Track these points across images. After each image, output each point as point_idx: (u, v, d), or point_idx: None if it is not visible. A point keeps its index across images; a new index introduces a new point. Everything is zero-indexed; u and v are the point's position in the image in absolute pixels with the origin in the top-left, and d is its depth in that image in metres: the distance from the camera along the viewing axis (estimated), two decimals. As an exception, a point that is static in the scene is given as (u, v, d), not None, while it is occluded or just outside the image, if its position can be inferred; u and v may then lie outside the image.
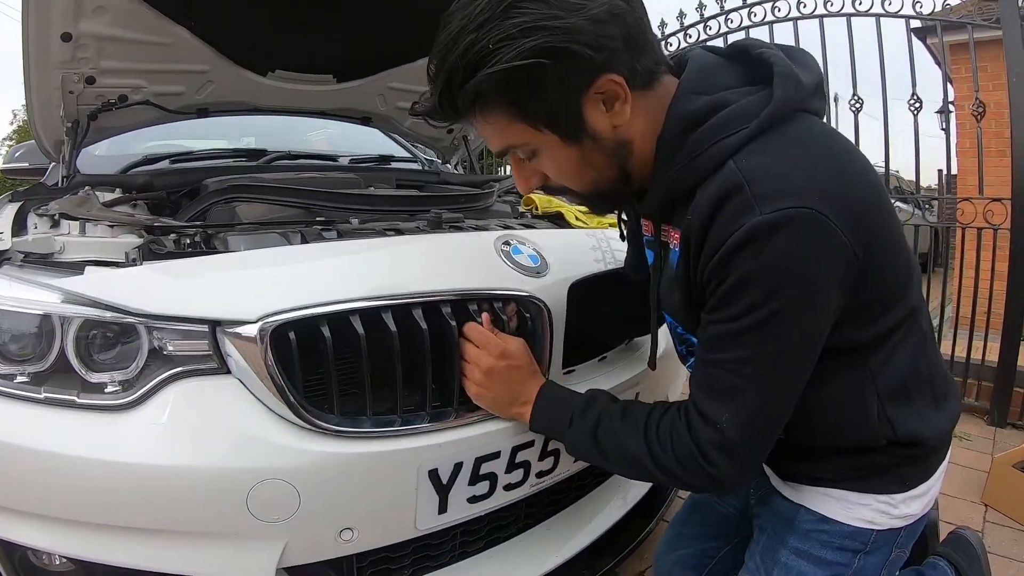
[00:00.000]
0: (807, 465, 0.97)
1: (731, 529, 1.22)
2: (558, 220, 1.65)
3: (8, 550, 1.01)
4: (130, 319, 0.96)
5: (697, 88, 0.83)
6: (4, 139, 24.07)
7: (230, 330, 0.96)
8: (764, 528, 1.06)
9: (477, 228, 1.38)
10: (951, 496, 2.10)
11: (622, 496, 1.48)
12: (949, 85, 2.99)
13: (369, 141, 2.65)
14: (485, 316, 1.08)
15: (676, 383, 1.63)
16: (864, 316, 0.84)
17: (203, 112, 2.07)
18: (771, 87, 0.81)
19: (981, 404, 2.84)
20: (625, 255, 1.27)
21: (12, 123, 25.30)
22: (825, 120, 0.89)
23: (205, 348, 0.98)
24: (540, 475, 1.18)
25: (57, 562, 1.03)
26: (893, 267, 0.84)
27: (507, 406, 1.06)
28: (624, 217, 1.12)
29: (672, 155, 0.83)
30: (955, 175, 3.48)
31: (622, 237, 1.17)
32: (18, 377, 0.96)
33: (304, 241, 1.20)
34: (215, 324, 0.97)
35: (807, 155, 0.79)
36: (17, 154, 2.49)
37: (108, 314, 0.96)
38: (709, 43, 3.32)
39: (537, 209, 1.71)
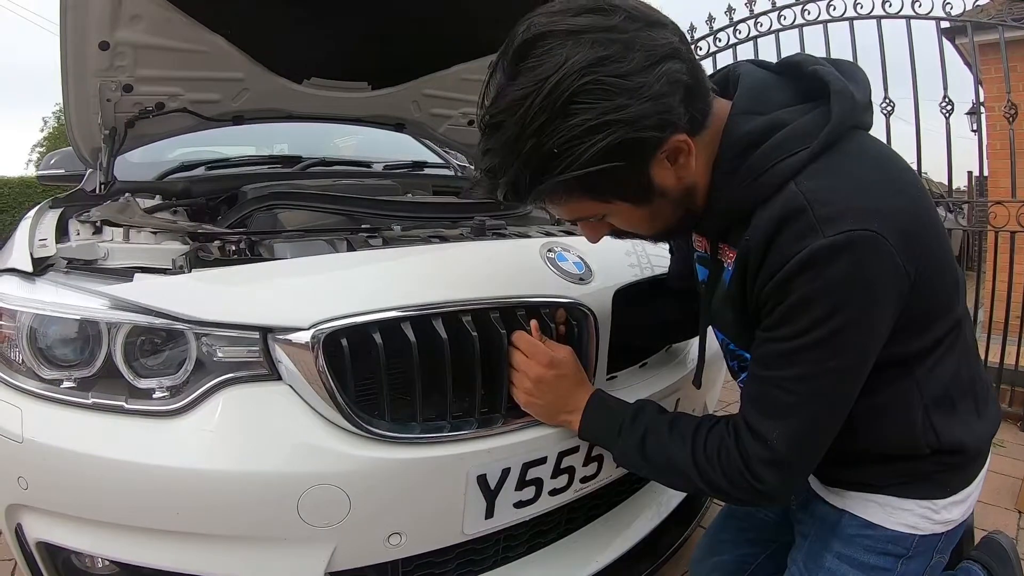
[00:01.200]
0: (852, 472, 0.97)
1: (768, 535, 1.22)
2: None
3: (52, 553, 1.03)
4: (180, 326, 0.97)
5: (752, 108, 0.83)
6: (35, 146, 24.44)
7: (281, 337, 0.97)
8: (807, 533, 1.06)
9: (520, 235, 1.39)
10: (985, 502, 2.07)
11: (659, 502, 1.47)
12: (980, 86, 2.94)
13: (401, 147, 2.64)
14: (533, 324, 1.08)
15: (714, 391, 1.63)
16: (913, 329, 0.84)
17: (238, 119, 2.08)
18: (825, 104, 0.81)
19: (1015, 410, 2.80)
20: (669, 264, 1.27)
21: (42, 130, 25.58)
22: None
23: (256, 355, 0.98)
24: (584, 480, 1.18)
25: (100, 565, 1.04)
26: (941, 281, 0.84)
27: (556, 414, 1.07)
28: None
29: (730, 177, 0.83)
30: (986, 176, 3.43)
31: (671, 251, 1.17)
32: (65, 382, 0.97)
33: (350, 248, 1.20)
34: (266, 331, 0.98)
35: (864, 175, 0.79)
36: (52, 160, 2.51)
37: (158, 321, 0.97)
38: (738, 47, 3.30)
39: None
